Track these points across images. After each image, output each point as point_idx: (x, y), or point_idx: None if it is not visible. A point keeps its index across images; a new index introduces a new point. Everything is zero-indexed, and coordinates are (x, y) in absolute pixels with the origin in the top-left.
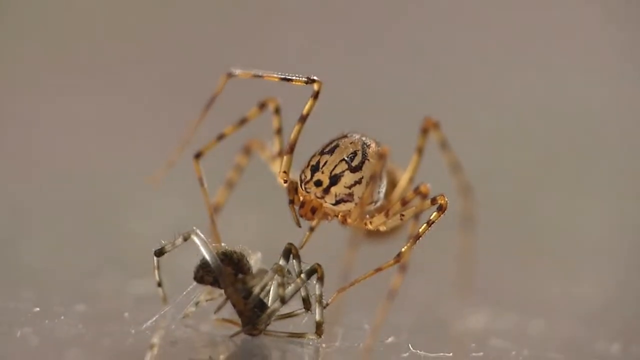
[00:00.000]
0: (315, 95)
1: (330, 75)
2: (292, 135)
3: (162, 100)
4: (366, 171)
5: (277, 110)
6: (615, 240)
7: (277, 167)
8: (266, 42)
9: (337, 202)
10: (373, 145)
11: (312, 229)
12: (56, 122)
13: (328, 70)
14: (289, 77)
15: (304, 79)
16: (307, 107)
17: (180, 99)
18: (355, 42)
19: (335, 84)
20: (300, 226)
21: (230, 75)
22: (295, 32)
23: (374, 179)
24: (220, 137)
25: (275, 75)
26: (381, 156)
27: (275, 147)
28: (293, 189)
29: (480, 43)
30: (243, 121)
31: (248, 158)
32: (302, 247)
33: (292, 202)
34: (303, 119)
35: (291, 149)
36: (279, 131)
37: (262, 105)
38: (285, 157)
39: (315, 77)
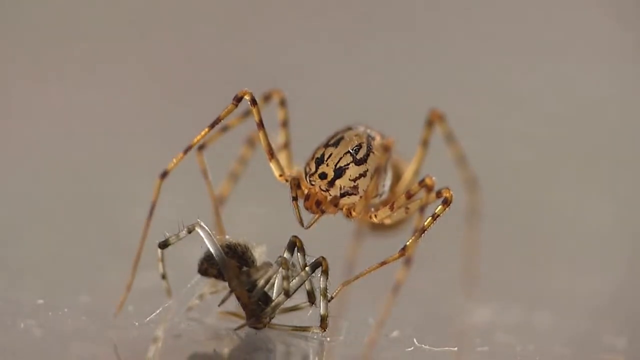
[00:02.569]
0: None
1: (335, 66)
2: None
3: (163, 91)
4: (371, 164)
5: (283, 103)
6: (621, 234)
7: (275, 167)
8: (268, 31)
9: (342, 195)
10: (378, 137)
11: (322, 212)
12: (59, 115)
13: (333, 61)
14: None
15: (230, 105)
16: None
17: (181, 89)
18: (359, 33)
19: (341, 75)
20: (303, 224)
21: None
22: (296, 20)
23: (379, 171)
24: (224, 129)
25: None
26: (386, 148)
27: (280, 139)
28: (295, 185)
29: (488, 34)
30: (247, 113)
31: (252, 150)
32: (309, 226)
33: (295, 199)
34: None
35: (284, 147)
36: (284, 123)
37: (267, 97)
38: (272, 162)
39: (240, 93)
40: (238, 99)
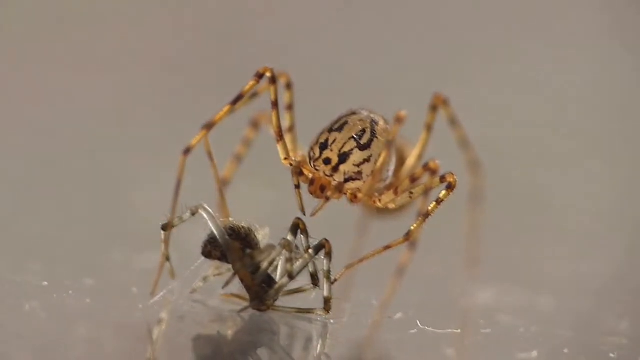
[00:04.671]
0: (272, 81)
1: (339, 49)
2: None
3: (167, 75)
4: (375, 149)
5: (289, 86)
6: (624, 216)
7: (282, 149)
8: (272, 15)
9: (346, 180)
10: (381, 122)
11: (327, 198)
12: (63, 97)
13: (337, 44)
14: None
15: (252, 81)
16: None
17: (185, 73)
18: (364, 16)
19: (344, 58)
20: (304, 213)
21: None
22: (301, 5)
23: (390, 144)
24: (230, 110)
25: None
26: (399, 120)
27: (286, 122)
28: (297, 172)
29: (491, 18)
30: (254, 95)
31: (256, 132)
32: (314, 214)
33: (297, 187)
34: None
35: (288, 131)
36: (290, 107)
37: (274, 80)
38: (280, 144)
39: (262, 70)
40: (260, 75)
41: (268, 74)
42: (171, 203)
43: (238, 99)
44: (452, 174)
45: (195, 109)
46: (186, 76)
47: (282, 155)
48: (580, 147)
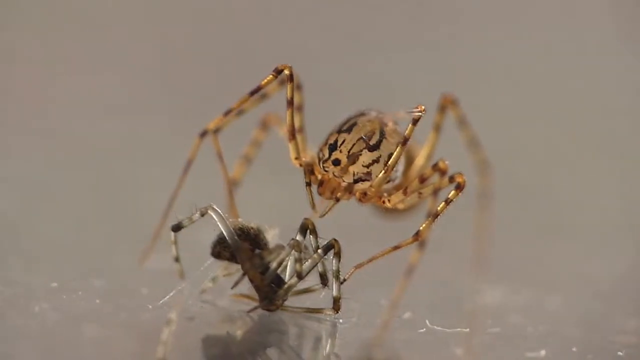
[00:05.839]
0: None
1: (346, 49)
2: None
3: (173, 75)
4: (384, 150)
5: (298, 86)
6: (632, 216)
7: (293, 149)
8: (276, 15)
9: (355, 181)
10: (390, 122)
11: (337, 199)
12: (69, 99)
13: (345, 44)
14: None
15: (270, 76)
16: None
17: (191, 73)
18: (372, 16)
19: (353, 59)
20: (315, 209)
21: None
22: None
23: (405, 141)
24: (240, 111)
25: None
26: (413, 121)
27: (296, 122)
28: (309, 171)
29: (501, 18)
30: (263, 96)
31: (265, 133)
32: (323, 215)
33: (309, 184)
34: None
35: (297, 132)
36: (299, 107)
37: (291, 77)
38: (292, 143)
39: (280, 66)
40: (278, 71)
41: (287, 72)
42: (178, 182)
43: (255, 90)
44: (462, 174)
45: (206, 111)
46: (195, 77)
47: (292, 155)
48: (591, 146)
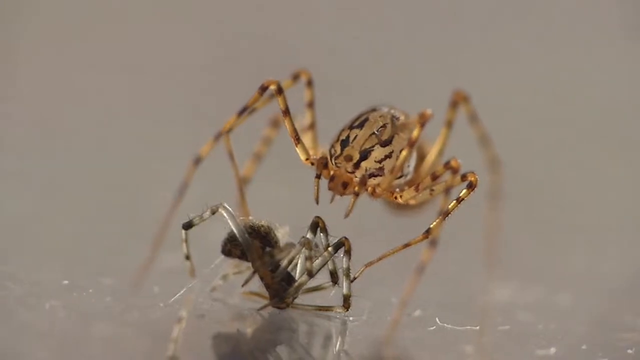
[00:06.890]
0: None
1: (358, 45)
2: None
3: (182, 74)
4: (396, 145)
5: (310, 83)
6: None
7: (301, 151)
8: (288, 10)
9: (368, 177)
10: (402, 118)
11: (357, 194)
12: (80, 98)
13: (356, 40)
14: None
15: (256, 93)
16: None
17: (201, 71)
18: (384, 11)
19: (365, 54)
20: (318, 202)
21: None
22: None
23: (413, 143)
24: (251, 110)
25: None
26: (423, 118)
27: (306, 121)
28: (322, 163)
29: (514, 15)
30: (273, 96)
31: (276, 131)
32: (347, 215)
33: (318, 176)
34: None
35: (309, 129)
36: (310, 104)
37: (295, 77)
38: (299, 147)
39: (266, 83)
40: (264, 89)
41: (272, 87)
42: (173, 203)
43: (243, 110)
44: (474, 173)
45: (216, 108)
46: (205, 76)
47: (302, 157)
48: (600, 144)
